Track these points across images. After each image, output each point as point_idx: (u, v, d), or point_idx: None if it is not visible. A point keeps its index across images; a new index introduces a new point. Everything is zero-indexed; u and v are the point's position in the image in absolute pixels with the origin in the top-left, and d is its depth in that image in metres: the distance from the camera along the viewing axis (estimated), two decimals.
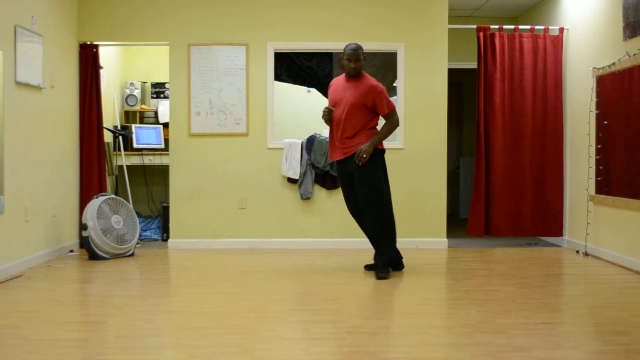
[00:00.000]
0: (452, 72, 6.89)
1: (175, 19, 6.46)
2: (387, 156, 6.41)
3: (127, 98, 7.80)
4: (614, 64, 5.52)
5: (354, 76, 5.07)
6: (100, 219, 5.70)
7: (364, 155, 4.88)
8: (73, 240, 6.30)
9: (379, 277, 4.93)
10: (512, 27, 6.65)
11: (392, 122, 5.07)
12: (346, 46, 5.06)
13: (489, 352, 3.10)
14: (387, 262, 5.08)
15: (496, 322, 3.64)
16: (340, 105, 5.04)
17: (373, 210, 5.01)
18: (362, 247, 6.22)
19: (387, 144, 6.54)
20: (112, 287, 4.72)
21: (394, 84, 6.77)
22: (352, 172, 5.03)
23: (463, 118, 9.61)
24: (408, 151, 6.50)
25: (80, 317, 3.96)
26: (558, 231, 6.65)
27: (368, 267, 5.28)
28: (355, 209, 5.16)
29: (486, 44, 6.62)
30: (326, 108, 5.06)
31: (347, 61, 5.00)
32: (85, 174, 6.43)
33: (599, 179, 5.83)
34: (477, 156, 6.64)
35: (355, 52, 5.00)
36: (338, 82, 5.22)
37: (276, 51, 6.56)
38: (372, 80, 5.08)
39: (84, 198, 6.34)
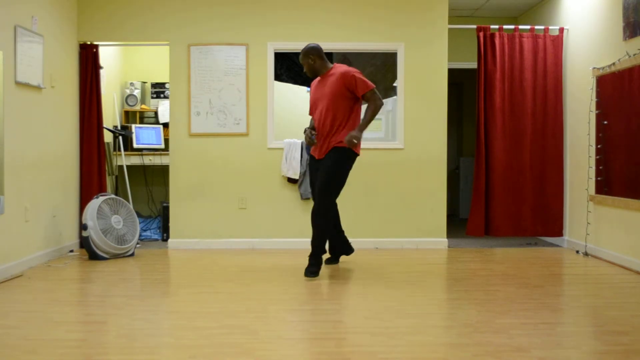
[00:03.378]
0: (452, 72, 6.89)
1: (175, 19, 6.46)
2: (387, 156, 6.49)
3: (127, 98, 7.80)
4: (614, 64, 5.52)
5: (319, 73, 5.02)
6: (100, 219, 5.70)
7: (354, 141, 4.72)
8: (73, 240, 6.30)
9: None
10: (512, 27, 6.65)
11: (375, 104, 4.81)
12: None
13: (489, 352, 3.10)
14: None
15: (496, 322, 3.64)
16: (320, 103, 4.96)
17: (322, 193, 4.88)
18: (362, 247, 6.22)
19: (386, 143, 6.59)
20: (112, 287, 4.72)
21: (394, 84, 6.77)
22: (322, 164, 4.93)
23: (463, 118, 9.61)
24: (408, 151, 6.50)
25: (80, 317, 3.96)
26: (558, 231, 6.65)
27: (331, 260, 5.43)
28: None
29: (486, 44, 6.62)
30: (307, 130, 4.97)
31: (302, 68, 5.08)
32: (85, 174, 6.43)
33: (599, 179, 5.83)
34: (477, 156, 6.64)
35: (303, 58, 5.00)
36: (316, 81, 5.14)
37: (276, 51, 6.56)
38: (343, 67, 4.97)
39: (84, 198, 6.34)
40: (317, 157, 5.02)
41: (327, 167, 4.85)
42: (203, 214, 6.48)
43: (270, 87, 6.50)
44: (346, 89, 4.84)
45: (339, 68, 4.96)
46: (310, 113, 5.20)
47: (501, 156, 6.60)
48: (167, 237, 6.64)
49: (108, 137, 7.06)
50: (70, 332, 3.50)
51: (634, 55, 5.19)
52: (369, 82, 4.87)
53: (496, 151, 6.59)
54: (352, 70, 4.90)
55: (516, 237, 6.91)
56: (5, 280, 4.77)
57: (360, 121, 4.90)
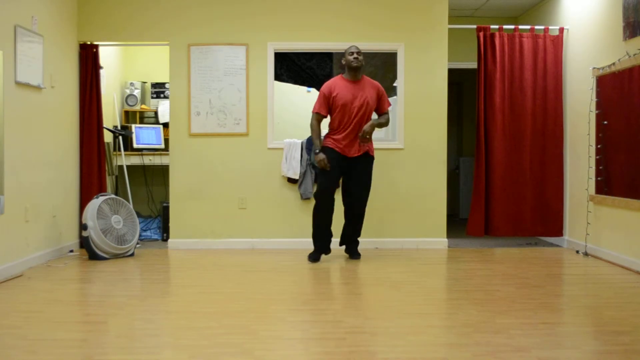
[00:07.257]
0: (452, 72, 6.89)
1: (175, 19, 6.46)
2: (387, 156, 6.49)
3: (127, 98, 7.80)
4: (614, 64, 5.52)
5: (355, 74, 5.51)
6: (100, 219, 5.70)
7: (367, 137, 5.45)
8: (73, 240, 6.30)
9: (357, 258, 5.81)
10: (512, 27, 6.65)
11: (388, 119, 5.67)
12: (349, 47, 5.56)
13: (489, 352, 3.10)
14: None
15: (496, 322, 3.64)
16: (357, 106, 5.44)
17: (365, 202, 5.70)
18: (363, 247, 6.21)
19: (386, 143, 6.59)
20: (112, 287, 4.72)
21: (394, 84, 6.77)
22: (356, 166, 5.53)
23: (463, 118, 9.61)
24: (408, 151, 6.50)
25: (80, 317, 3.96)
26: (558, 231, 6.65)
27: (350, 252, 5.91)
28: (332, 193, 5.59)
29: (486, 44, 6.62)
30: (324, 162, 5.43)
31: (350, 55, 5.47)
32: (85, 174, 6.43)
33: (599, 179, 5.83)
34: (477, 156, 6.64)
35: (357, 48, 5.53)
36: (340, 83, 5.53)
37: (276, 51, 6.56)
38: (370, 79, 5.67)
39: (84, 198, 6.34)
40: (348, 155, 5.51)
41: (369, 173, 5.63)
42: (203, 214, 6.48)
43: (270, 87, 6.50)
44: (377, 100, 5.55)
45: (369, 79, 5.63)
46: (330, 111, 5.60)
47: (501, 156, 6.60)
48: (167, 237, 6.64)
49: (108, 137, 7.06)
50: (70, 332, 3.50)
51: (634, 55, 5.19)
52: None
53: (496, 151, 6.59)
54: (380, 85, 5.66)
55: (516, 237, 6.91)
56: (5, 280, 4.77)
57: (376, 120, 5.55)
